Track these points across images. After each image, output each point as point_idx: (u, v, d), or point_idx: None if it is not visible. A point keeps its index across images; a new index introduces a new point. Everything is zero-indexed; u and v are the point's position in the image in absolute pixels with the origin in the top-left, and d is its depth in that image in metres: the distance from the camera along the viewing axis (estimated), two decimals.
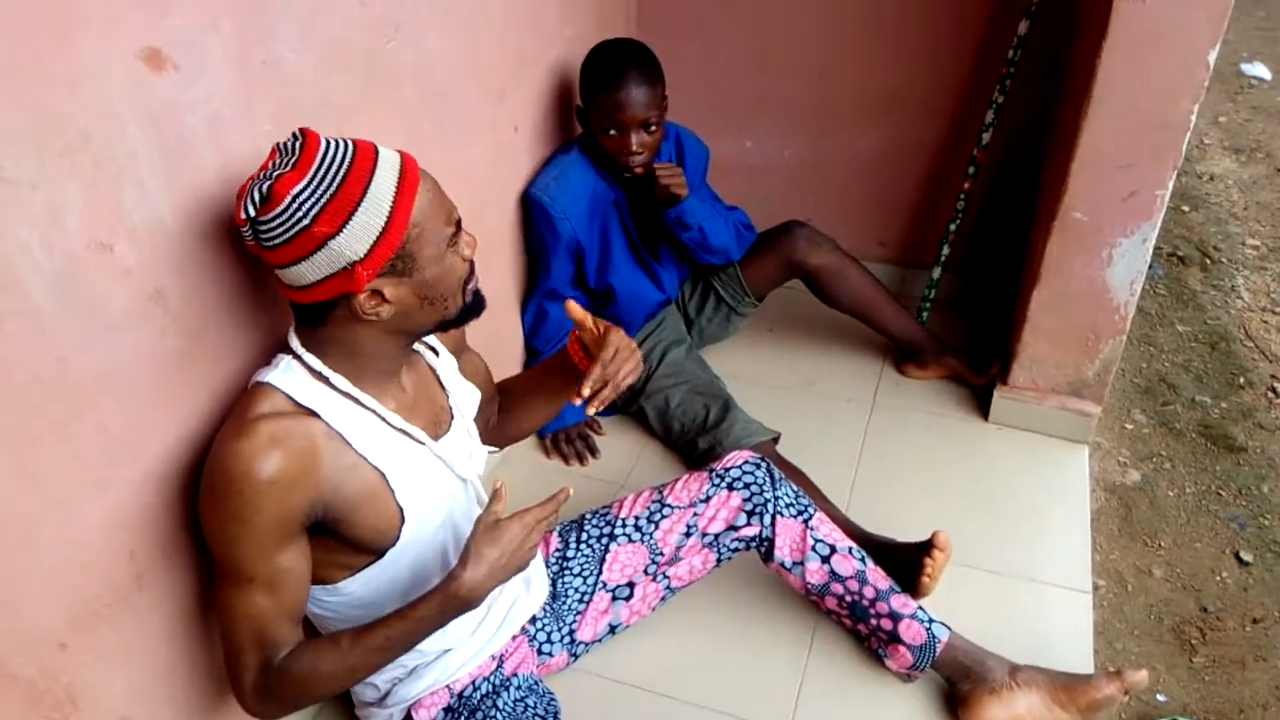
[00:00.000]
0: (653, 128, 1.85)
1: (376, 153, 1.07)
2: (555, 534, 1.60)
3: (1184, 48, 1.57)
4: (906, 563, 1.63)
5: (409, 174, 1.08)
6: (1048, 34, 2.05)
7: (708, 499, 1.55)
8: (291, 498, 1.09)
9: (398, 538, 1.21)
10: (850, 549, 1.53)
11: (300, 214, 1.02)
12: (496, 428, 1.54)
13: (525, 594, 1.47)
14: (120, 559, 1.11)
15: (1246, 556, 1.86)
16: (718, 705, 1.54)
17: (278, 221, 1.03)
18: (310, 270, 1.05)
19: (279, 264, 1.06)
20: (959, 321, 2.44)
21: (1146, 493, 2.01)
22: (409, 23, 1.48)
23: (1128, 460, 2.10)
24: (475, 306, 1.21)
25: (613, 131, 1.85)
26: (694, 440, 1.97)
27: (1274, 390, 2.31)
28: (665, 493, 1.58)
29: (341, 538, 1.17)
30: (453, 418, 1.33)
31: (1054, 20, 2.03)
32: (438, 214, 1.11)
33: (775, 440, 1.94)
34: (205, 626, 1.29)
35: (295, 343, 1.15)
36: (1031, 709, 1.43)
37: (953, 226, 2.29)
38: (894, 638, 1.49)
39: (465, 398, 1.37)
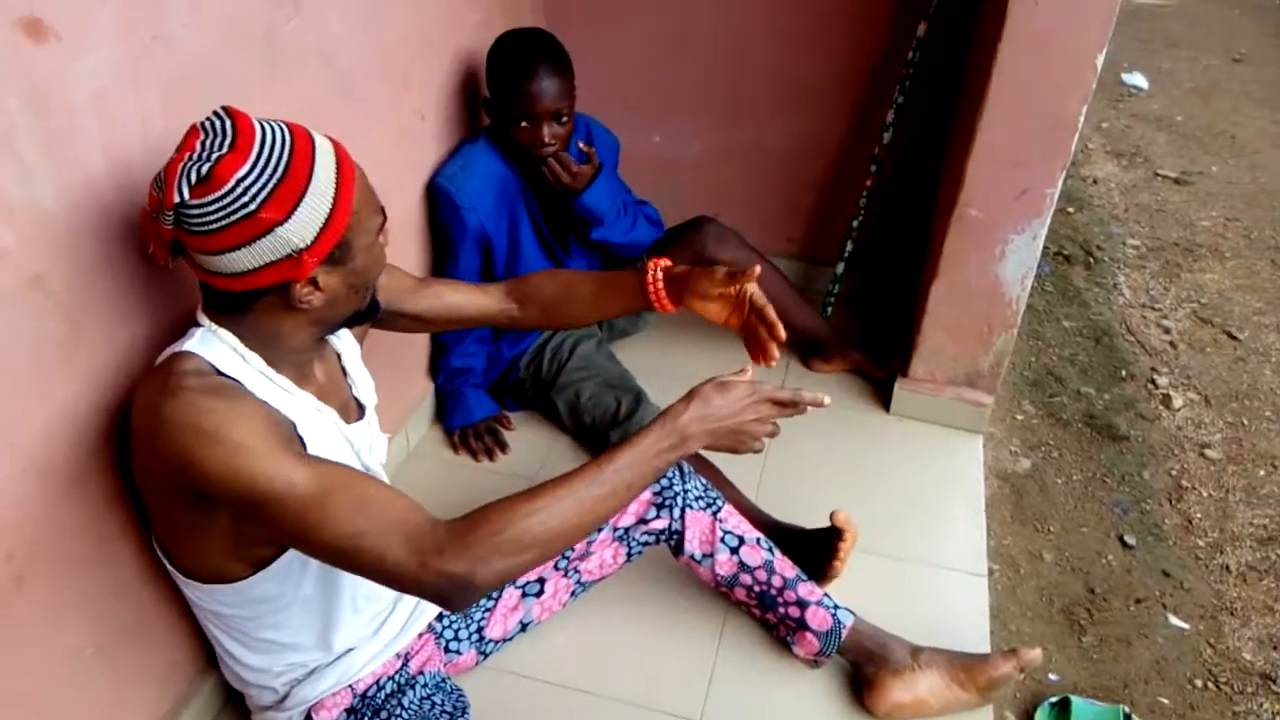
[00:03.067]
0: (564, 118, 1.84)
1: (311, 137, 1.03)
2: None
3: (1074, 50, 1.63)
4: (814, 548, 1.67)
5: (345, 160, 1.05)
6: (946, 36, 2.12)
7: None
8: (261, 417, 1.03)
9: None
10: (758, 539, 1.55)
11: (245, 198, 0.97)
12: (542, 325, 1.53)
13: None
14: None
15: (1130, 539, 1.95)
16: (631, 698, 1.54)
17: (216, 206, 0.97)
18: (249, 257, 1.00)
19: (210, 250, 1.00)
20: (861, 316, 2.50)
21: (1036, 480, 2.09)
22: (310, 2, 1.43)
23: (1018, 449, 2.18)
24: (374, 305, 1.20)
25: (524, 124, 1.82)
26: (605, 434, 1.96)
27: (1153, 382, 2.43)
28: None
29: None
30: (360, 407, 1.30)
31: (952, 22, 2.10)
32: (370, 202, 1.09)
33: None
34: (93, 629, 1.22)
35: (206, 320, 1.09)
36: (933, 688, 1.47)
37: (855, 223, 2.34)
38: (801, 624, 1.52)
39: (368, 386, 1.35)
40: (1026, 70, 1.67)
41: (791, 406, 1.19)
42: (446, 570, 0.99)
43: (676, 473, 1.55)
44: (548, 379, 2.06)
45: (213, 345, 1.08)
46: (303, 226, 1.00)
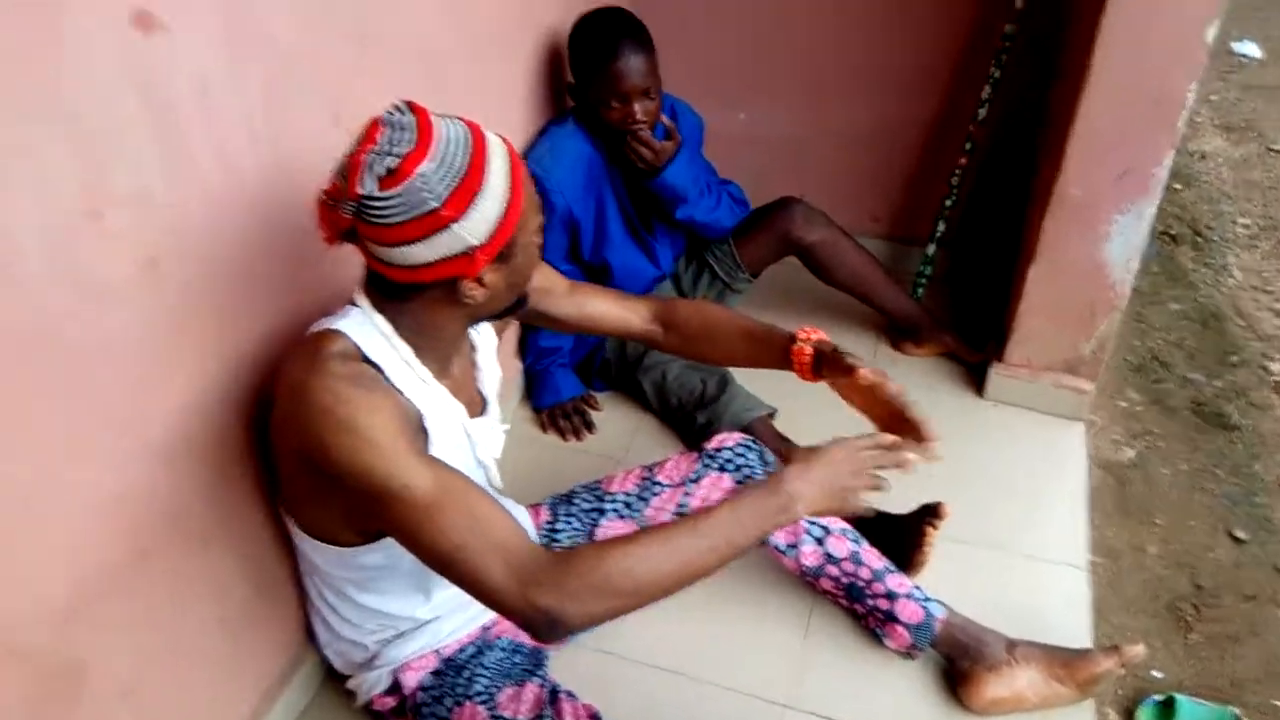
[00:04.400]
0: (653, 95, 1.84)
1: (486, 136, 1.06)
2: (546, 506, 1.58)
3: (1182, 24, 1.55)
4: (904, 533, 1.63)
5: (515, 160, 1.08)
6: (1045, 9, 2.04)
7: (698, 479, 1.53)
8: (392, 411, 1.06)
9: None
10: (844, 530, 1.52)
11: (428, 195, 0.99)
12: (680, 345, 1.50)
13: None
14: (123, 533, 1.09)
15: (1240, 534, 1.86)
16: (720, 681, 1.54)
17: (400, 201, 0.99)
18: (426, 251, 1.02)
19: (387, 241, 1.02)
20: (953, 298, 2.44)
21: (1141, 470, 2.01)
22: None
23: (1122, 438, 2.10)
24: (523, 301, 1.22)
25: (615, 104, 1.82)
26: (692, 414, 1.96)
27: (1265, 369, 2.32)
28: (655, 471, 1.57)
29: None
30: (485, 403, 1.33)
31: None
32: (534, 201, 1.12)
33: (771, 415, 1.93)
34: (212, 601, 1.28)
35: (364, 302, 1.13)
36: (1031, 684, 1.44)
37: (948, 202, 2.27)
38: (891, 617, 1.49)
39: (494, 379, 1.37)
40: (1131, 43, 1.59)
41: (887, 449, 1.17)
42: (538, 602, 1.00)
43: (759, 462, 1.54)
44: (633, 360, 2.06)
45: (365, 328, 1.11)
46: (478, 225, 1.02)
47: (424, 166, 0.99)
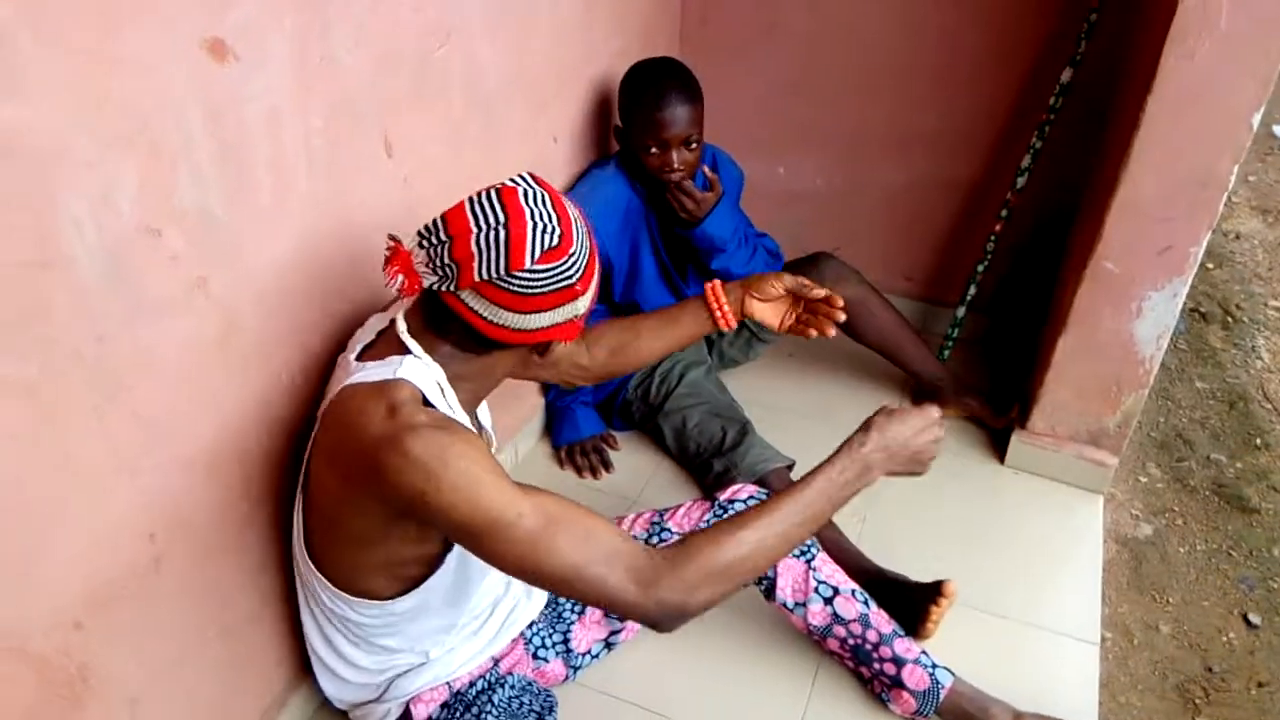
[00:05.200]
0: (694, 145, 1.86)
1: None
2: None
3: (1229, 107, 1.57)
4: (913, 602, 1.63)
5: (590, 235, 1.13)
6: (1091, 83, 2.06)
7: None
8: (485, 450, 1.08)
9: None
10: (853, 591, 1.52)
11: (573, 272, 1.05)
12: (607, 373, 1.56)
13: (526, 600, 1.48)
14: (140, 541, 1.11)
15: (1255, 619, 1.85)
16: None
17: (552, 276, 1.04)
18: (549, 319, 1.08)
19: (522, 309, 1.05)
20: (980, 362, 2.44)
21: (1158, 547, 2.00)
22: (460, 30, 1.49)
23: (1140, 513, 2.09)
24: None
25: (654, 149, 1.85)
26: (709, 461, 1.97)
27: None
28: (666, 516, 1.58)
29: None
30: (483, 430, 1.35)
31: (1099, 70, 2.04)
32: None
33: (790, 467, 1.93)
34: (222, 613, 1.29)
35: (418, 348, 1.13)
36: None
37: (981, 267, 2.29)
38: (897, 682, 1.49)
39: (486, 411, 1.40)
40: (1176, 125, 1.61)
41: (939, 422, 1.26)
42: (663, 599, 1.06)
43: None
44: (656, 403, 2.08)
45: (422, 375, 1.12)
46: (589, 298, 1.09)
47: (573, 246, 1.05)
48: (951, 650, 1.55)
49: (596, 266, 1.11)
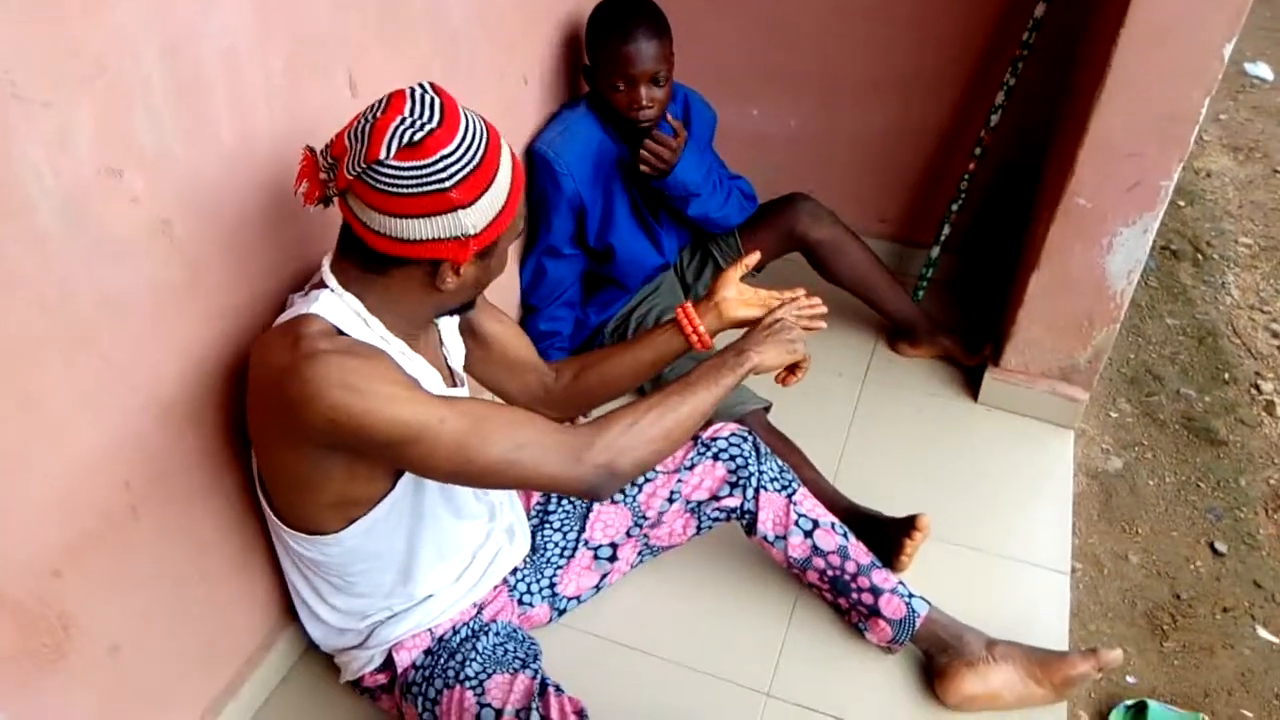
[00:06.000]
0: (662, 82, 1.83)
1: (499, 136, 1.09)
2: None
3: (1199, 40, 1.56)
4: (888, 537, 1.66)
5: (519, 167, 1.12)
6: (1064, 18, 2.05)
7: (692, 466, 1.55)
8: (397, 368, 1.11)
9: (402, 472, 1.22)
10: (833, 524, 1.55)
11: (443, 175, 1.02)
12: (573, 398, 1.55)
13: (509, 545, 1.49)
14: (115, 489, 1.11)
15: (1221, 547, 1.89)
16: (699, 666, 1.56)
17: (416, 174, 1.02)
18: (423, 228, 1.05)
19: (387, 210, 1.04)
20: (954, 301, 2.45)
21: (1127, 480, 2.04)
22: None
23: (1110, 447, 2.12)
24: (472, 304, 1.27)
25: (621, 86, 1.82)
26: None
27: (1257, 388, 2.34)
28: None
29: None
30: (453, 377, 1.35)
31: (1071, 4, 2.03)
32: (522, 210, 1.16)
33: (766, 409, 1.94)
34: (204, 559, 1.29)
35: (333, 282, 1.14)
36: (1007, 682, 1.46)
37: (954, 207, 2.29)
38: (874, 612, 1.51)
39: (460, 355, 1.40)
40: (1147, 59, 1.61)
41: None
42: (597, 461, 1.16)
43: (753, 453, 1.55)
44: None
45: (337, 308, 1.12)
46: (478, 216, 1.06)
47: (447, 148, 1.02)
48: (926, 582, 1.58)
49: (500, 192, 1.07)
